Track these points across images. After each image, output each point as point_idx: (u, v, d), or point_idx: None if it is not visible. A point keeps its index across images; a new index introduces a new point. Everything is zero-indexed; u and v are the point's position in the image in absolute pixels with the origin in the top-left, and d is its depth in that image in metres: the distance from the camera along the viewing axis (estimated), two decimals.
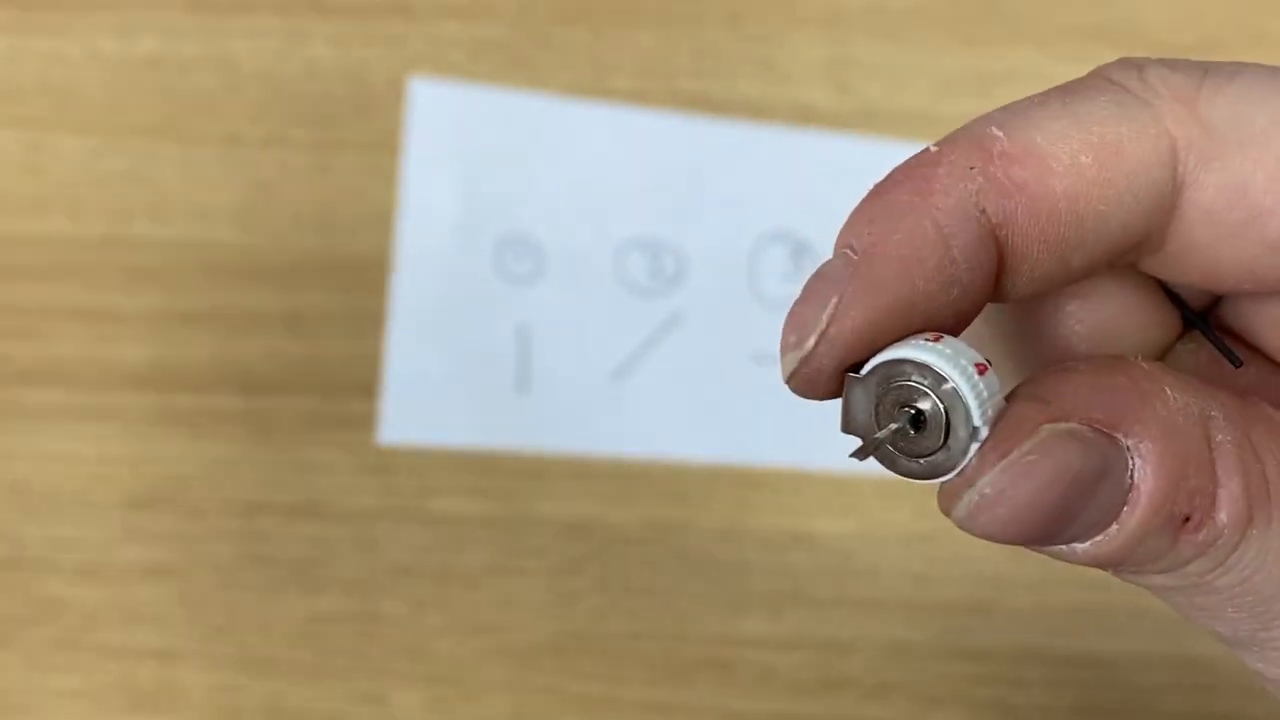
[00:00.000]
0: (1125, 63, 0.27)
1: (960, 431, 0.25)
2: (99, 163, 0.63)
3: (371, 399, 0.61)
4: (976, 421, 0.25)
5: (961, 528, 0.26)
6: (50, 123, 0.63)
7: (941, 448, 0.25)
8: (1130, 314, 0.28)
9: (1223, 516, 0.25)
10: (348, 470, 0.60)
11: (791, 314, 0.26)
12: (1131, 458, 0.25)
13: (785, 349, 0.26)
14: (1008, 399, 0.26)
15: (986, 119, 0.26)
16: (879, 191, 0.26)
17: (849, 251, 0.26)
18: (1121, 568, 0.26)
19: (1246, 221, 0.26)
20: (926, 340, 0.25)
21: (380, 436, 0.60)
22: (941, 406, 0.25)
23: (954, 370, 0.25)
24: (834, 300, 0.26)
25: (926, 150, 0.26)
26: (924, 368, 0.25)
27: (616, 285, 0.62)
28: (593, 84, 0.63)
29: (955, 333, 0.26)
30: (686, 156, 0.63)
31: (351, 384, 0.61)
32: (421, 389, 0.61)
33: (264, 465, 0.60)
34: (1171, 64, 0.26)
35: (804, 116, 0.63)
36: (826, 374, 0.26)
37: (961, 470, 0.25)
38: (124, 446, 0.61)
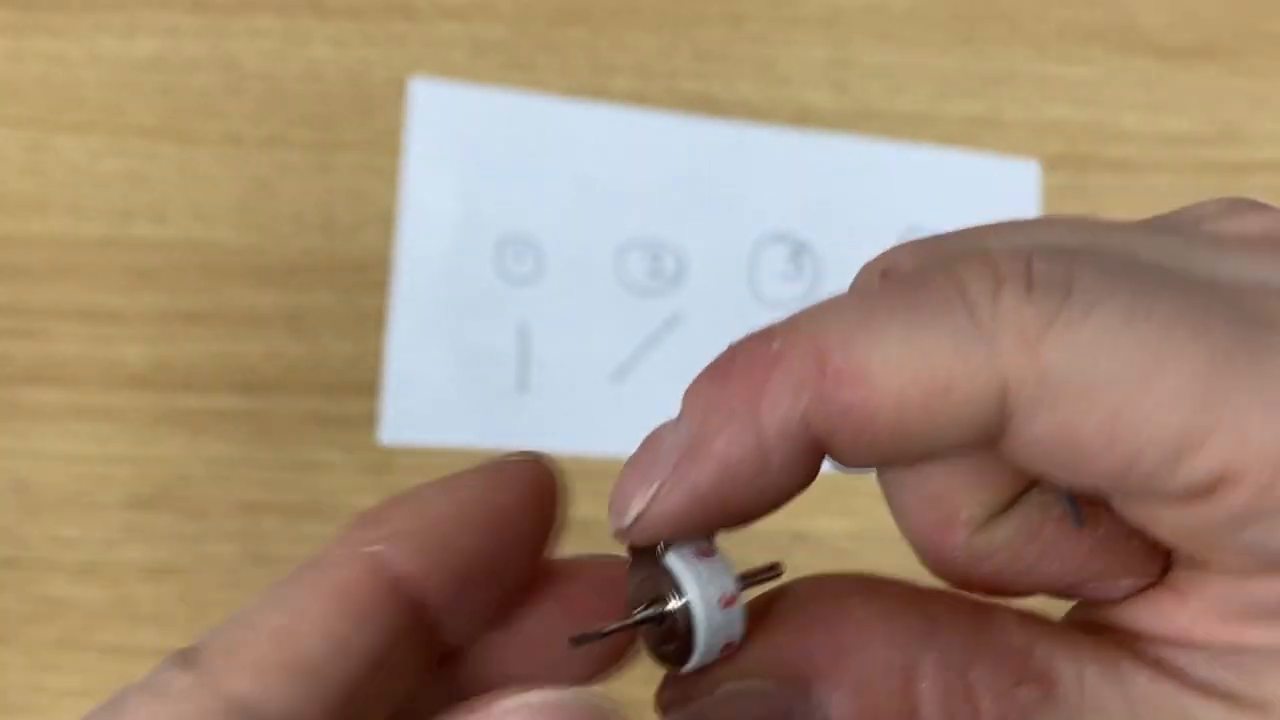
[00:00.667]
0: (982, 273, 0.26)
1: (695, 648, 0.27)
2: (100, 163, 0.63)
3: (372, 399, 0.61)
4: (698, 650, 0.27)
5: None
6: (51, 123, 0.63)
7: (676, 650, 0.28)
8: (973, 474, 0.28)
9: None
10: (349, 470, 0.60)
11: (621, 482, 0.28)
12: (824, 705, 0.27)
13: (611, 513, 0.28)
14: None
15: (826, 322, 0.26)
16: (716, 375, 0.27)
17: (686, 430, 0.27)
18: None
19: (1075, 459, 0.25)
20: (696, 553, 0.28)
21: (380, 437, 0.60)
22: (682, 621, 0.27)
23: (698, 596, 0.27)
24: (655, 485, 0.27)
25: (769, 343, 0.27)
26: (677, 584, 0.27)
27: (617, 285, 0.62)
28: (593, 85, 0.63)
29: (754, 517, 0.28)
30: (687, 157, 0.63)
31: (352, 384, 0.61)
32: (422, 389, 0.61)
33: (265, 465, 0.60)
34: (1029, 288, 0.25)
35: (804, 117, 0.63)
36: (641, 544, 0.28)
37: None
38: (125, 446, 0.61)
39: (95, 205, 0.62)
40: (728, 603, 0.27)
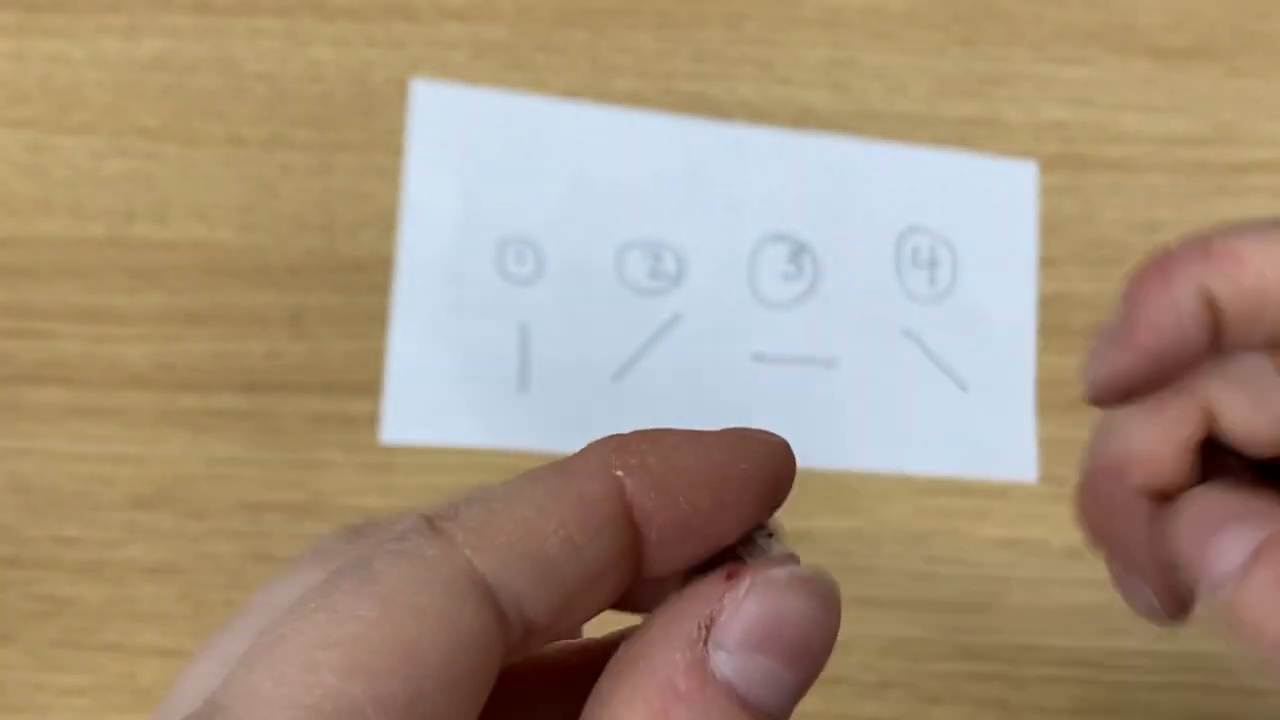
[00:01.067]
0: None
1: None
2: (102, 163, 0.63)
3: (374, 398, 0.61)
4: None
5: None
6: (54, 124, 0.63)
7: None
8: None
9: None
10: (350, 469, 0.60)
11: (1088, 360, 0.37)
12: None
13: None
14: None
15: (1210, 230, 0.35)
16: (1136, 278, 0.36)
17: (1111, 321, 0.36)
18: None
19: None
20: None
21: (382, 436, 0.60)
22: None
23: None
24: (1107, 350, 0.36)
25: (1166, 249, 0.36)
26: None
27: (617, 286, 0.62)
28: (593, 85, 0.64)
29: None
30: (687, 158, 0.63)
31: (353, 383, 0.61)
32: (423, 389, 0.61)
33: (267, 464, 0.61)
34: None
35: (803, 117, 0.64)
36: (1100, 397, 0.37)
37: None
38: (127, 446, 0.61)
39: (97, 205, 0.62)
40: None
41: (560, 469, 0.27)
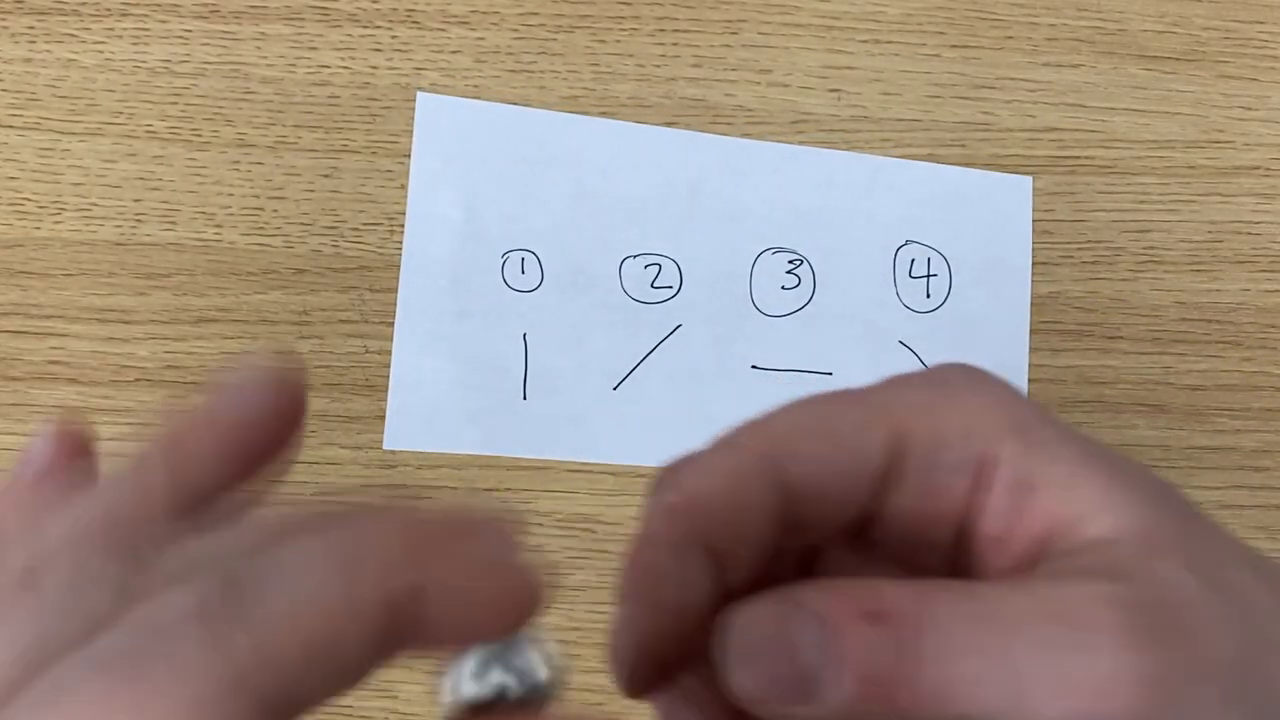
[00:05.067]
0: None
1: None
2: (112, 166, 0.63)
3: (379, 398, 0.61)
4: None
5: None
6: (65, 127, 0.63)
7: None
8: None
9: None
10: (355, 467, 0.60)
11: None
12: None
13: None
14: None
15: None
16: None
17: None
18: None
19: None
20: None
21: (384, 443, 0.61)
22: None
23: None
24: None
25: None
26: None
27: (618, 296, 0.62)
28: (594, 90, 0.64)
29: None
30: (688, 171, 0.63)
31: (359, 383, 0.61)
32: (425, 397, 0.61)
33: None
34: None
35: (800, 122, 0.64)
36: None
37: None
38: (135, 445, 0.61)
39: (107, 208, 0.63)
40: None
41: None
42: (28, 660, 0.25)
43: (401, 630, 0.26)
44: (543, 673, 0.29)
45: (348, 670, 0.26)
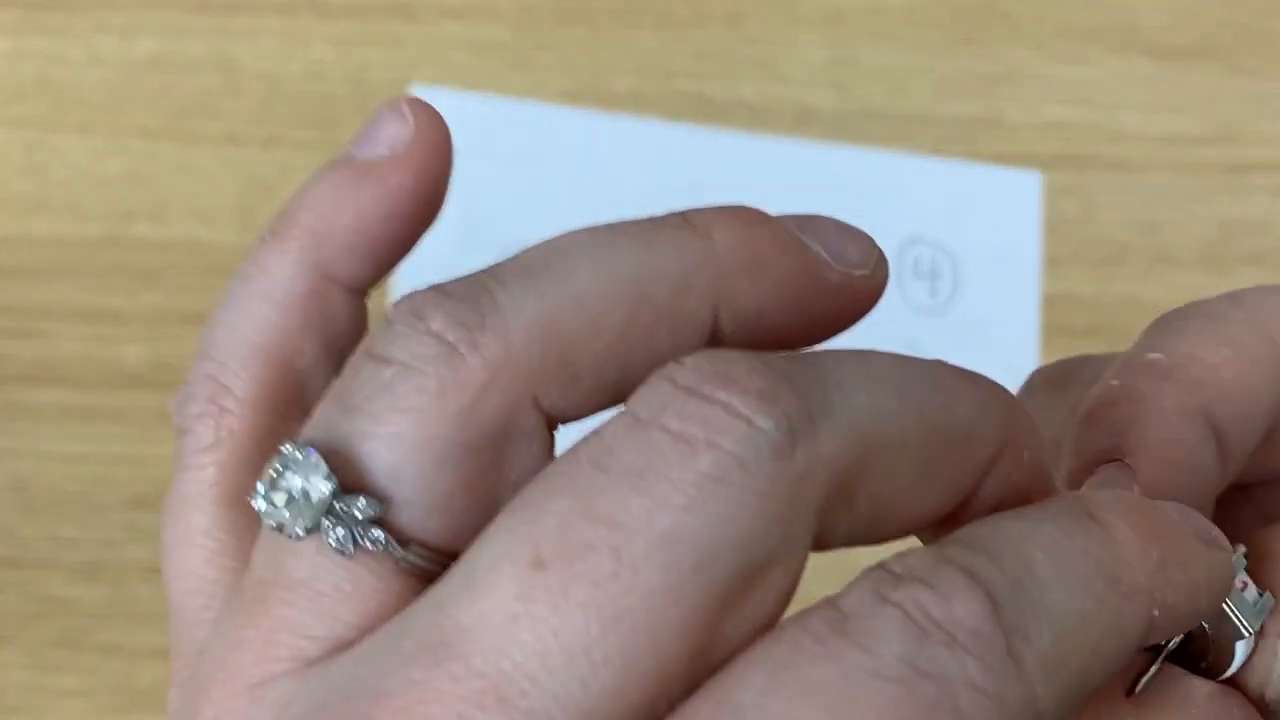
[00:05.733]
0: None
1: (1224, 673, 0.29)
2: (100, 163, 0.63)
3: None
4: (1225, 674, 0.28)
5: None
6: (52, 123, 0.63)
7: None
8: None
9: None
10: None
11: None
12: None
13: None
14: None
15: (1193, 335, 0.31)
16: (1110, 402, 0.30)
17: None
18: None
19: None
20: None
21: None
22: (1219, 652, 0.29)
23: (1247, 643, 0.28)
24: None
25: (1146, 359, 0.30)
26: None
27: None
28: (593, 84, 0.64)
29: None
30: (688, 166, 0.63)
31: None
32: None
33: None
34: None
35: (804, 117, 0.64)
36: None
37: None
38: (125, 446, 0.61)
39: (96, 205, 0.62)
40: (1259, 635, 0.28)
41: None
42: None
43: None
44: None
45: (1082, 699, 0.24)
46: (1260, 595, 0.28)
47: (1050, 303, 0.62)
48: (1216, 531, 0.26)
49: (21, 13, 0.64)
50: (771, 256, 0.27)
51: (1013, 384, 0.61)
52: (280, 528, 0.24)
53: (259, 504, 0.25)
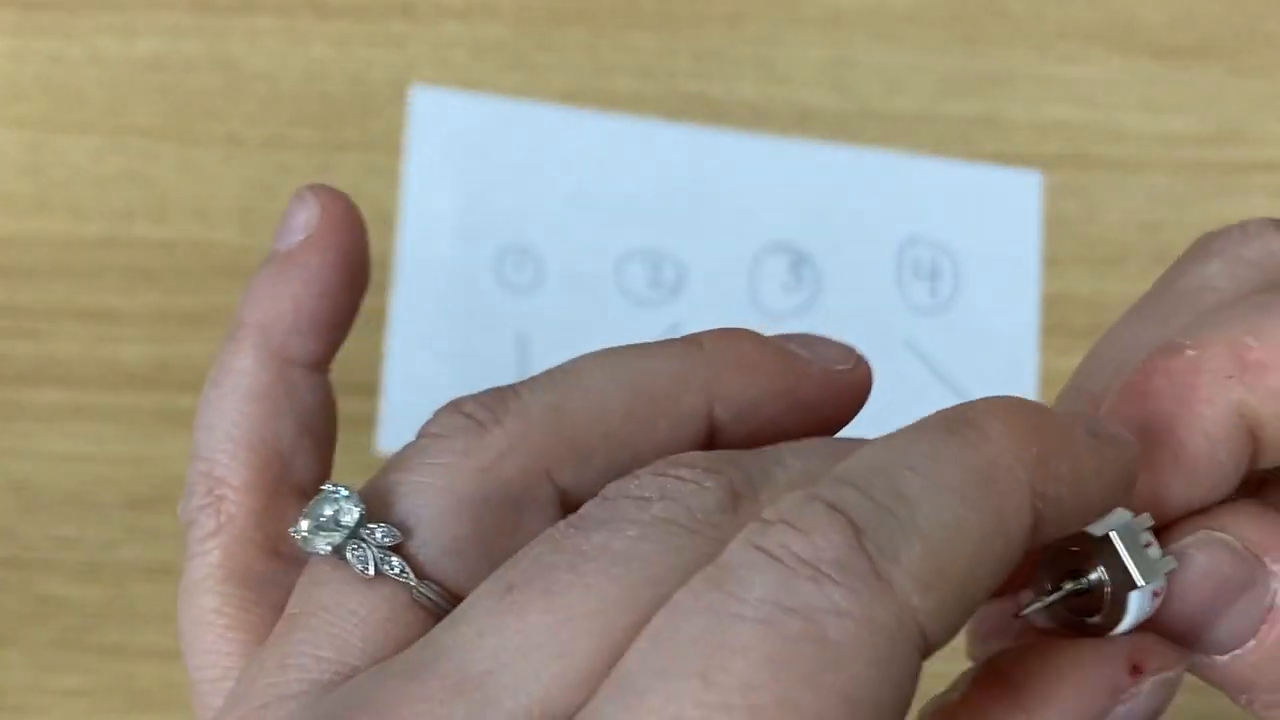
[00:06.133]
0: None
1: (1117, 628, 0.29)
2: (100, 163, 0.63)
3: (371, 399, 0.61)
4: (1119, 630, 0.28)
5: None
6: (51, 123, 0.63)
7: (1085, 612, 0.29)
8: None
9: None
10: (347, 469, 0.60)
11: None
12: (1274, 581, 0.28)
13: None
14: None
15: (1237, 322, 0.29)
16: (1141, 391, 0.29)
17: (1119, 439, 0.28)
18: (1258, 689, 0.29)
19: None
20: (1141, 542, 0.28)
21: (379, 444, 0.60)
22: (1112, 603, 0.28)
23: (1142, 597, 0.28)
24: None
25: (1183, 350, 0.29)
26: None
27: (617, 295, 0.62)
28: (593, 85, 0.64)
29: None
30: (687, 166, 0.63)
31: (351, 384, 0.61)
32: (420, 398, 0.61)
33: None
34: None
35: (804, 117, 0.64)
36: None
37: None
38: (125, 446, 0.61)
39: (95, 205, 0.62)
40: (1157, 596, 0.28)
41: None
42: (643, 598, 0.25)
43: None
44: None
45: (981, 601, 0.25)
46: (1163, 556, 0.28)
47: (1050, 303, 0.62)
48: (1115, 428, 0.27)
49: (21, 13, 0.64)
50: (756, 357, 0.31)
51: (1013, 387, 0.61)
52: (307, 544, 0.28)
53: (296, 530, 0.29)
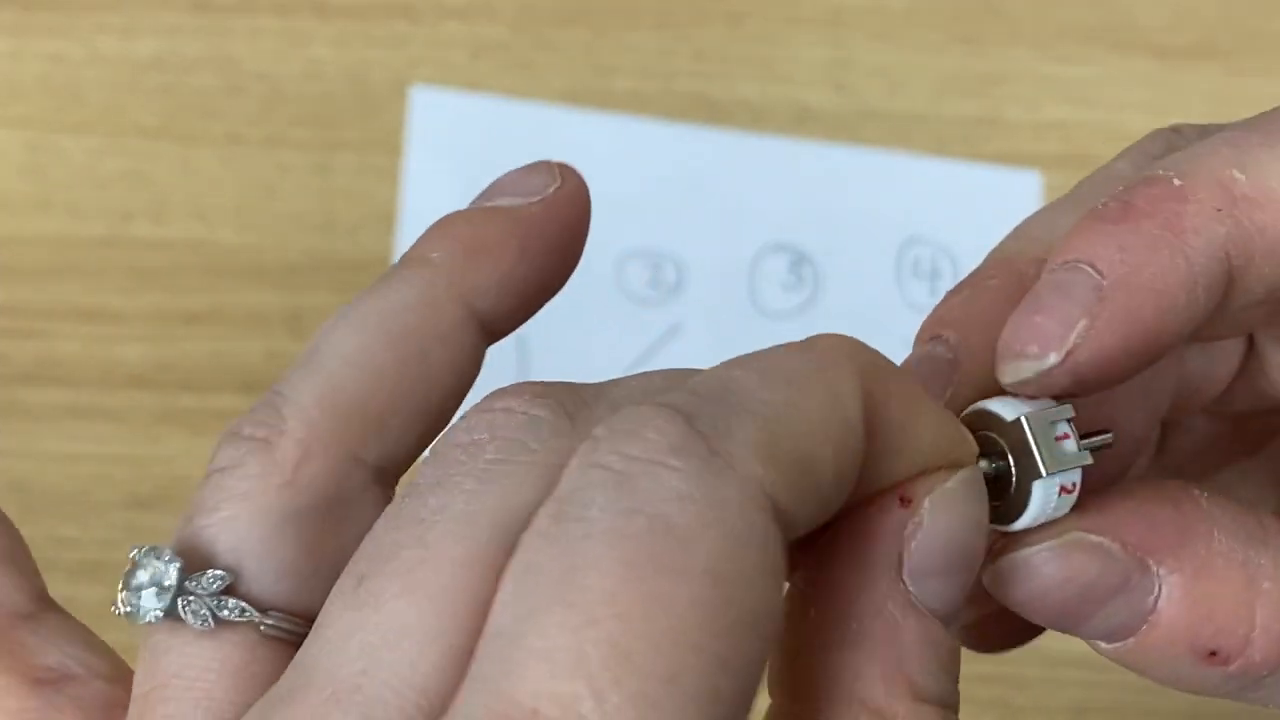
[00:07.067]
0: None
1: (1019, 522, 0.28)
2: (100, 163, 0.63)
3: None
4: (1021, 524, 0.28)
5: (987, 588, 0.28)
6: (52, 123, 0.63)
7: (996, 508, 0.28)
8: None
9: (1256, 655, 0.27)
10: None
11: (1027, 322, 0.27)
12: (1159, 585, 0.27)
13: (1019, 356, 0.27)
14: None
15: (1219, 156, 0.27)
16: (1124, 215, 0.27)
17: (1092, 271, 0.27)
18: (1151, 678, 0.28)
19: None
20: (1056, 433, 0.27)
21: None
22: (1018, 494, 0.28)
23: (1046, 488, 0.27)
24: (1083, 322, 0.26)
25: (1168, 180, 0.27)
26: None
27: (617, 295, 0.62)
28: (593, 85, 0.64)
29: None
30: (687, 166, 0.63)
31: None
32: None
33: None
34: None
35: (803, 117, 0.64)
36: (1058, 389, 0.27)
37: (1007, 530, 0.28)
38: (125, 446, 0.61)
39: (95, 205, 0.62)
40: (1066, 492, 0.27)
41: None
42: (498, 525, 0.23)
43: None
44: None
45: (837, 493, 0.24)
46: (1081, 452, 0.27)
47: None
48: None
49: (21, 13, 0.64)
50: (479, 236, 0.30)
51: None
52: (135, 616, 0.26)
53: (117, 605, 0.27)
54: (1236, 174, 0.27)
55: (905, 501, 0.26)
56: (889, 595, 0.25)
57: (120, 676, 0.30)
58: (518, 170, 0.33)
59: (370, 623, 0.23)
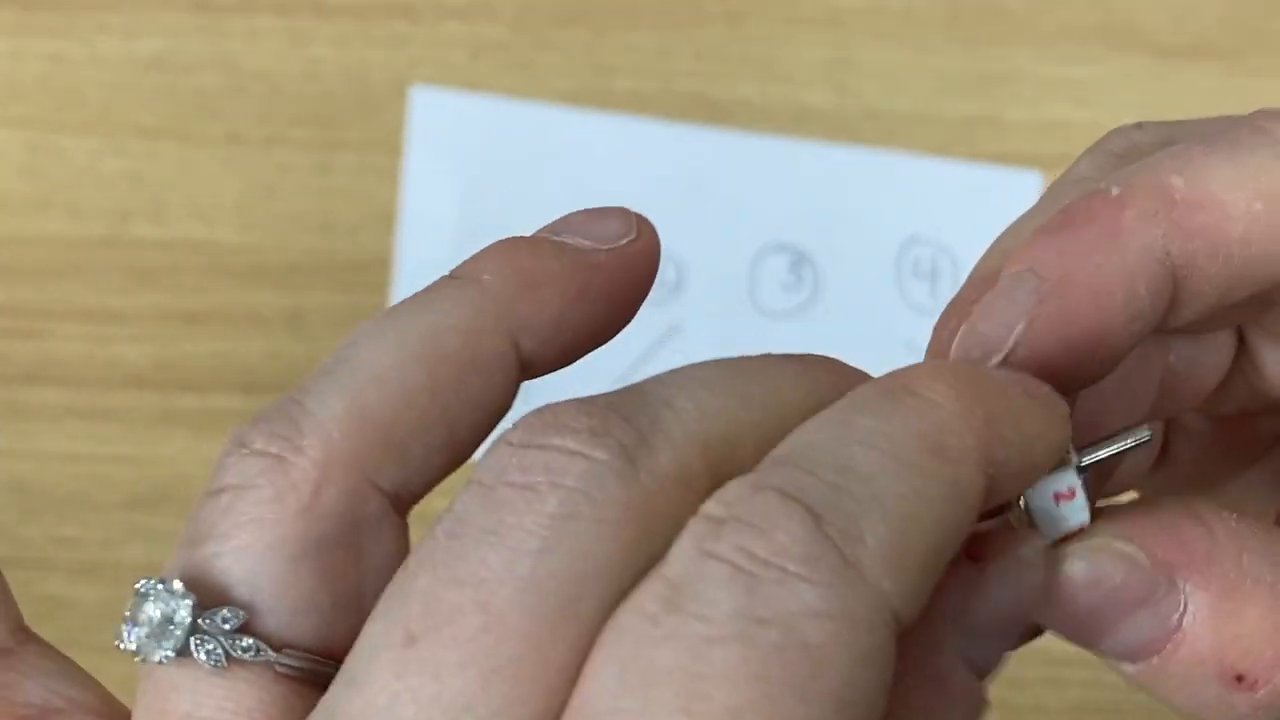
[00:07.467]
0: (1272, 113, 0.28)
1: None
2: (100, 163, 0.63)
3: None
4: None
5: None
6: (52, 123, 0.63)
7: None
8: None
9: None
10: None
11: (970, 331, 0.27)
12: (1185, 602, 0.27)
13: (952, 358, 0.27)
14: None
15: (1159, 165, 0.27)
16: (1064, 224, 0.27)
17: (1033, 276, 0.27)
18: (1175, 705, 0.28)
19: None
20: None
21: None
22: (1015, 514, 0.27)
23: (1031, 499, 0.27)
24: (1021, 324, 0.27)
25: (1107, 191, 0.27)
26: None
27: None
28: (593, 85, 0.64)
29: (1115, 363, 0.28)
30: (687, 166, 0.63)
31: None
32: None
33: None
34: None
35: (803, 117, 0.64)
36: None
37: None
38: (125, 446, 0.61)
39: (95, 205, 0.62)
40: (1064, 498, 0.27)
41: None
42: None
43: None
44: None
45: (940, 573, 0.24)
46: (1087, 501, 0.27)
47: None
48: (1047, 389, 0.26)
49: (21, 13, 0.64)
50: (542, 269, 0.28)
51: None
52: (144, 656, 0.25)
53: (123, 642, 0.26)
54: (1175, 179, 0.27)
55: (974, 556, 0.25)
56: (938, 647, 0.25)
57: (106, 708, 0.29)
58: (591, 211, 0.30)
59: (425, 692, 0.22)
